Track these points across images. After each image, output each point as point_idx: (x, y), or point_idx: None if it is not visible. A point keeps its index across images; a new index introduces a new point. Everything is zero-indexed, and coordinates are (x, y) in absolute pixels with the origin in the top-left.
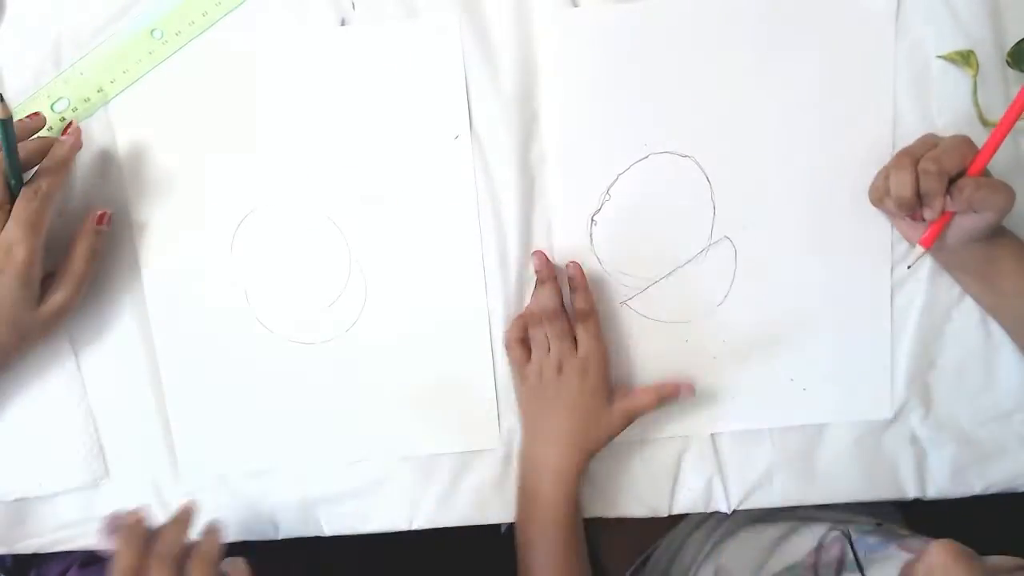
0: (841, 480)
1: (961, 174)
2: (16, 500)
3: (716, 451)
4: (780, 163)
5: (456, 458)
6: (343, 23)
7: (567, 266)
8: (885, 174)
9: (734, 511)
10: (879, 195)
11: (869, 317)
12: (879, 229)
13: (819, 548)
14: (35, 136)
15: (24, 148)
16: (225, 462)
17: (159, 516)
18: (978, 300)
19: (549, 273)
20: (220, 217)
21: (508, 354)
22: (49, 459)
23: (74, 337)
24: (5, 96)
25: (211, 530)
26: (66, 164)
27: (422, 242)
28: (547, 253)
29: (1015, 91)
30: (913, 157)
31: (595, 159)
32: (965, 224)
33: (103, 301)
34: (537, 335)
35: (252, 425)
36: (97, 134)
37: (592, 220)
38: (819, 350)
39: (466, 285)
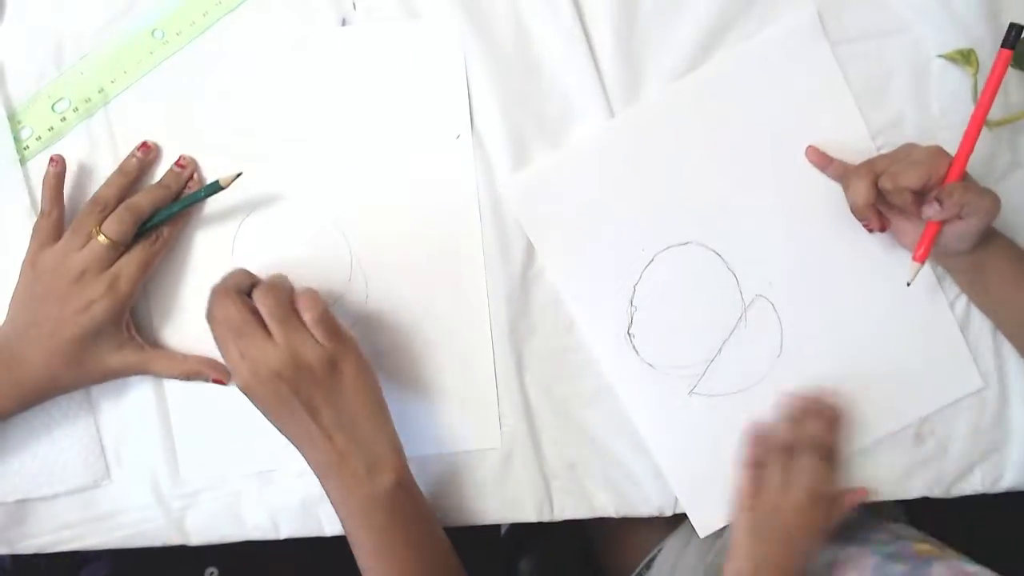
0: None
1: (934, 186)
2: (17, 501)
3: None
4: (779, 208)
5: (456, 458)
6: (343, 23)
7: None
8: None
9: None
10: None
11: (921, 314)
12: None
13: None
14: (159, 184)
15: (148, 195)
16: (225, 462)
17: (159, 517)
18: (974, 302)
19: (818, 408)
20: (221, 217)
21: (744, 473)
22: (50, 460)
23: None
24: (7, 95)
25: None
26: (186, 219)
27: (423, 242)
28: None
29: (1016, 91)
30: (873, 168)
31: (606, 280)
32: (954, 231)
33: None
34: (780, 464)
35: (252, 425)
36: (97, 134)
37: (629, 335)
38: (881, 362)
39: (467, 285)
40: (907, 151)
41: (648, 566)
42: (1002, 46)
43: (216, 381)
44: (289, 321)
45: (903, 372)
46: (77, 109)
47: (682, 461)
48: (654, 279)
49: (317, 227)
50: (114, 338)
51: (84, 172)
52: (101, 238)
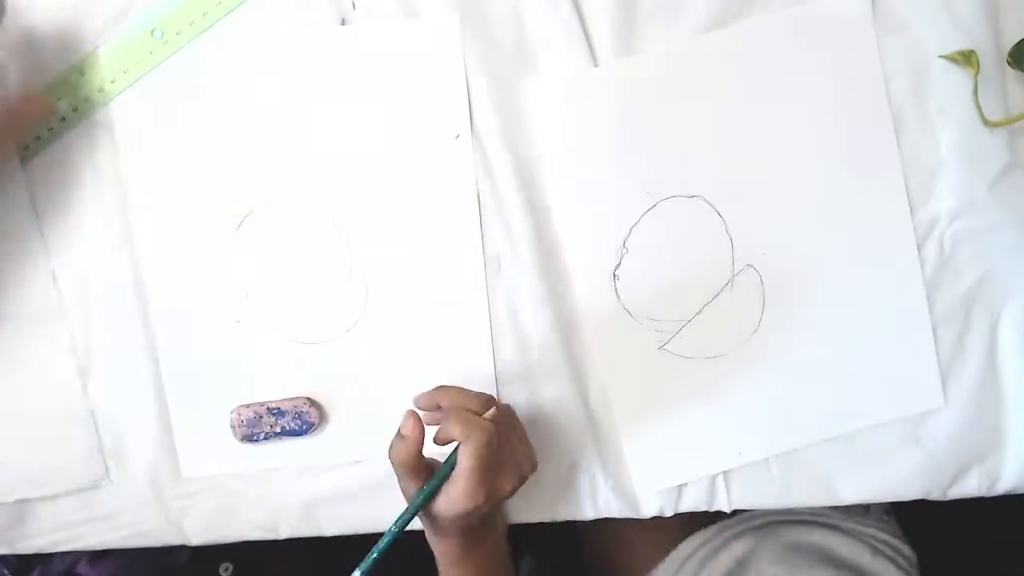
0: (845, 482)
1: None
2: (16, 501)
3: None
4: (788, 184)
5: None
6: (343, 23)
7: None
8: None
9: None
10: None
11: (905, 318)
12: (899, 228)
13: None
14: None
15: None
16: (225, 462)
17: (159, 517)
18: None
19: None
20: (220, 217)
21: None
22: (49, 460)
23: (75, 338)
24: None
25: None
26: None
27: (423, 242)
28: (574, 313)
29: (1016, 91)
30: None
31: (604, 216)
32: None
33: (104, 301)
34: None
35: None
36: (97, 134)
37: (615, 275)
38: (857, 357)
39: (467, 285)
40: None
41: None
42: None
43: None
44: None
45: (867, 377)
46: (77, 109)
47: (637, 414)
48: (652, 226)
49: (316, 227)
50: None
51: (84, 173)
52: None
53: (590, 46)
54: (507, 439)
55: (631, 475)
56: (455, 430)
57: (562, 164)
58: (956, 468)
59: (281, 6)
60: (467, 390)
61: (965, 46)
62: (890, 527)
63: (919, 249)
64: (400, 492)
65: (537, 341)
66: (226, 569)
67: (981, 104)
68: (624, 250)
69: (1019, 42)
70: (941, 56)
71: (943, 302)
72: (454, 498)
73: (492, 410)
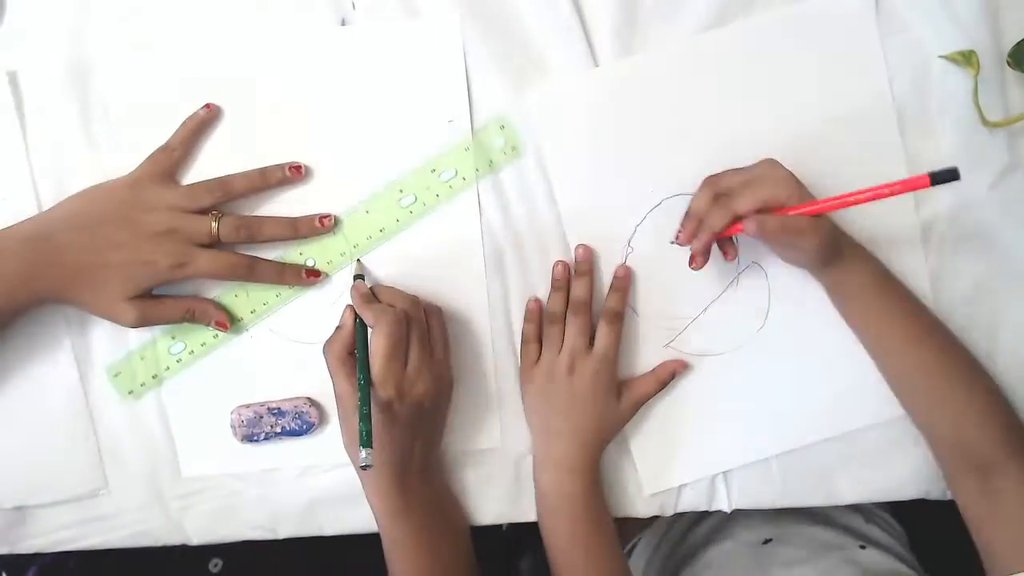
0: (844, 482)
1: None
2: (14, 508)
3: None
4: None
5: (457, 458)
6: (343, 23)
7: (616, 269)
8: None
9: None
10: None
11: None
12: (906, 227)
13: None
14: (292, 227)
15: (273, 228)
16: (225, 462)
17: (159, 517)
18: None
19: (589, 268)
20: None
21: (523, 348)
22: (48, 469)
23: (75, 341)
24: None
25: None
26: (283, 283)
27: (423, 242)
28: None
29: (1015, 91)
30: (717, 186)
31: (609, 215)
32: (787, 256)
33: None
34: (552, 332)
35: None
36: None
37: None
38: (859, 357)
39: (467, 285)
40: (761, 173)
41: (629, 553)
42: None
43: (219, 325)
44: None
45: (868, 377)
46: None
47: (642, 411)
48: (657, 224)
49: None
50: (139, 289)
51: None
52: (213, 225)
53: (591, 46)
54: (422, 337)
55: (632, 474)
56: (367, 314)
57: (565, 164)
58: None
59: (281, 6)
60: (398, 290)
61: (965, 46)
62: (882, 509)
63: (920, 249)
64: None
65: None
66: (215, 565)
67: (981, 104)
68: (629, 249)
69: (1019, 42)
70: (941, 56)
71: (943, 302)
72: (376, 369)
73: (403, 301)
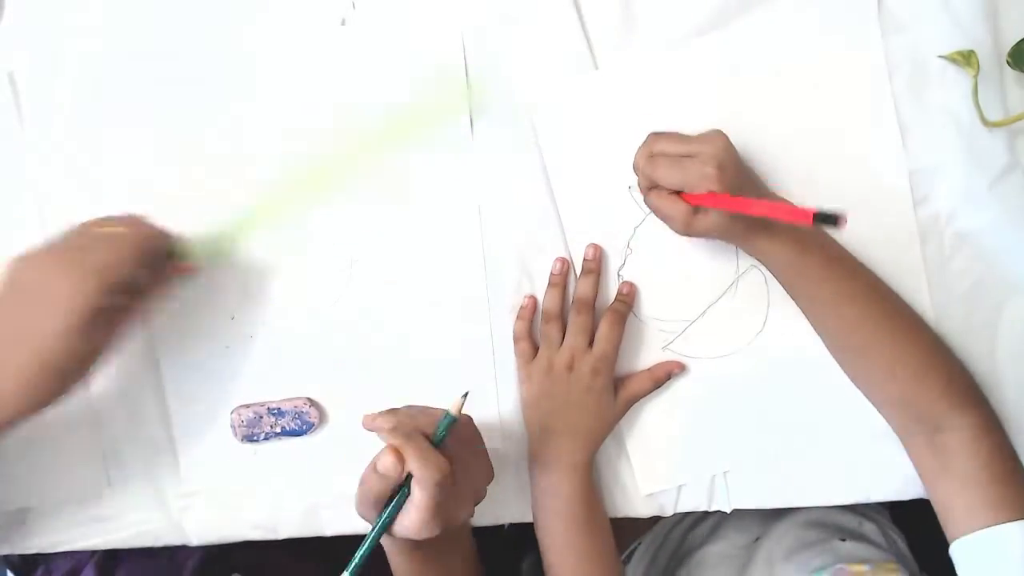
0: (843, 482)
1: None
2: (18, 509)
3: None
4: (790, 183)
5: None
6: (343, 23)
7: (622, 285)
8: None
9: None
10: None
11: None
12: (906, 227)
13: None
14: None
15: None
16: (226, 463)
17: (159, 517)
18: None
19: (597, 267)
20: (221, 218)
21: (516, 347)
22: (50, 471)
23: None
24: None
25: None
26: None
27: (423, 242)
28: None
29: (1015, 91)
30: (651, 148)
31: (608, 217)
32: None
33: None
34: (550, 330)
35: None
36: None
37: (619, 276)
38: None
39: (467, 285)
40: (695, 150)
41: (628, 558)
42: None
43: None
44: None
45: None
46: None
47: (638, 413)
48: (657, 226)
49: (317, 226)
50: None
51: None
52: None
53: (591, 48)
54: (464, 463)
55: (631, 475)
56: (411, 462)
57: (565, 165)
58: None
59: (281, 6)
60: (421, 409)
61: (965, 46)
62: (881, 509)
63: (920, 249)
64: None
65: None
66: None
67: (981, 104)
68: (628, 250)
69: (1019, 42)
70: (941, 56)
71: (943, 302)
72: (409, 526)
73: (443, 435)
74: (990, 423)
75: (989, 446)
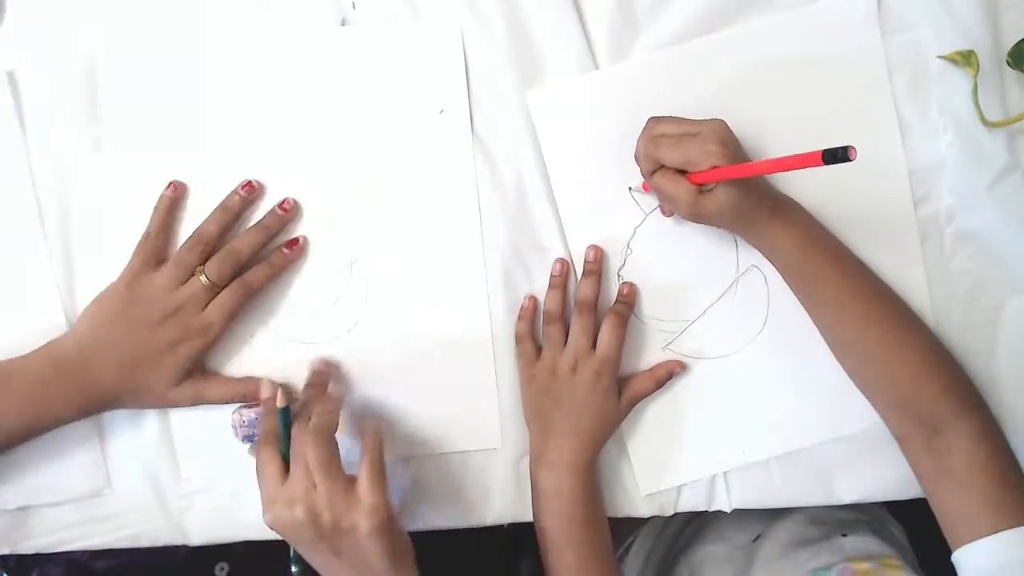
0: (844, 482)
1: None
2: (18, 508)
3: None
4: (790, 183)
5: (456, 458)
6: (343, 23)
7: (622, 286)
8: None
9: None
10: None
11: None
12: (905, 227)
13: None
14: (260, 227)
15: (247, 240)
16: (227, 463)
17: (159, 517)
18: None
19: (598, 268)
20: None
21: (518, 347)
22: (52, 470)
23: None
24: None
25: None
26: (278, 271)
27: (424, 242)
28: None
29: (1015, 91)
30: (652, 131)
31: (608, 217)
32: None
33: None
34: (552, 331)
35: None
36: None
37: (619, 276)
38: None
39: (467, 285)
40: (697, 130)
41: (626, 552)
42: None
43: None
44: (323, 476)
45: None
46: None
47: (638, 413)
48: (656, 226)
49: (317, 226)
50: (184, 373)
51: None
52: (203, 279)
53: (591, 48)
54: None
55: (632, 475)
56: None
57: (565, 165)
58: None
59: (281, 6)
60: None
61: (965, 46)
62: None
63: (920, 249)
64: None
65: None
66: (222, 569)
67: (981, 104)
68: (628, 251)
69: (1018, 42)
70: (941, 56)
71: (943, 302)
72: None
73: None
74: (989, 425)
75: (988, 448)
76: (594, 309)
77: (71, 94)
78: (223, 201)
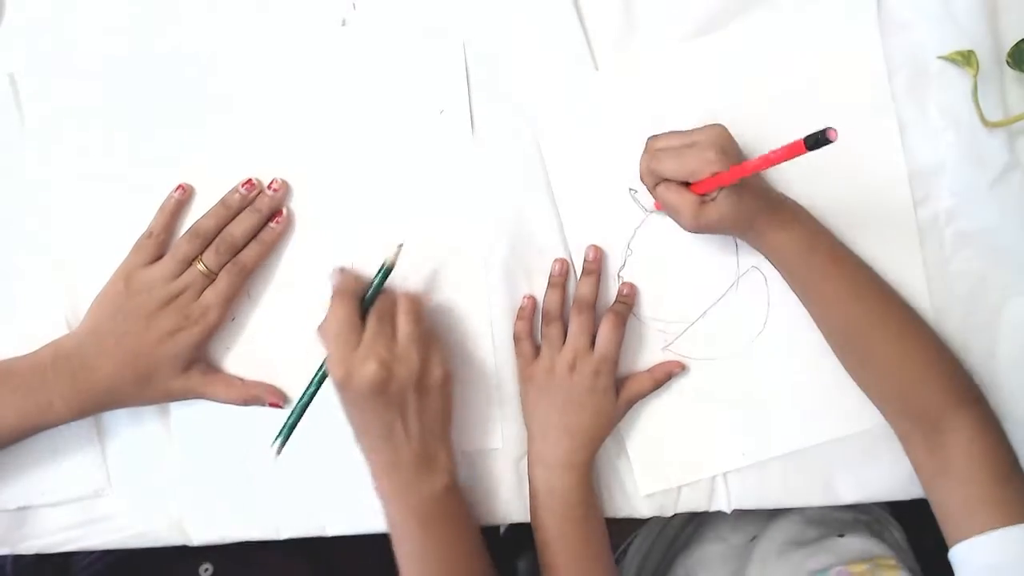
0: (844, 482)
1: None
2: (18, 508)
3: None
4: (790, 184)
5: (457, 458)
6: (343, 23)
7: (622, 286)
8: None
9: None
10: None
11: None
12: (905, 227)
13: None
14: (251, 210)
15: (240, 224)
16: (227, 463)
17: (159, 517)
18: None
19: (598, 268)
20: None
21: (517, 347)
22: (51, 471)
23: None
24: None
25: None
26: (270, 247)
27: (424, 242)
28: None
29: (1015, 91)
30: (653, 145)
31: (608, 218)
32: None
33: None
34: (551, 331)
35: (253, 425)
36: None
37: (619, 276)
38: None
39: (467, 285)
40: (696, 140)
41: (624, 552)
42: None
43: (272, 405)
44: (385, 332)
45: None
46: None
47: (638, 414)
48: (657, 227)
49: (317, 225)
50: (185, 363)
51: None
52: (201, 267)
53: (591, 49)
54: (383, 329)
55: (631, 475)
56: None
57: (565, 166)
58: None
59: (281, 6)
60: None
61: (965, 46)
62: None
63: (920, 249)
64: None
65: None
66: (206, 570)
67: (981, 104)
68: (629, 251)
69: (1018, 42)
70: (941, 57)
71: (943, 302)
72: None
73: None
74: (989, 423)
75: (987, 446)
76: (593, 308)
77: (71, 95)
78: (223, 197)
